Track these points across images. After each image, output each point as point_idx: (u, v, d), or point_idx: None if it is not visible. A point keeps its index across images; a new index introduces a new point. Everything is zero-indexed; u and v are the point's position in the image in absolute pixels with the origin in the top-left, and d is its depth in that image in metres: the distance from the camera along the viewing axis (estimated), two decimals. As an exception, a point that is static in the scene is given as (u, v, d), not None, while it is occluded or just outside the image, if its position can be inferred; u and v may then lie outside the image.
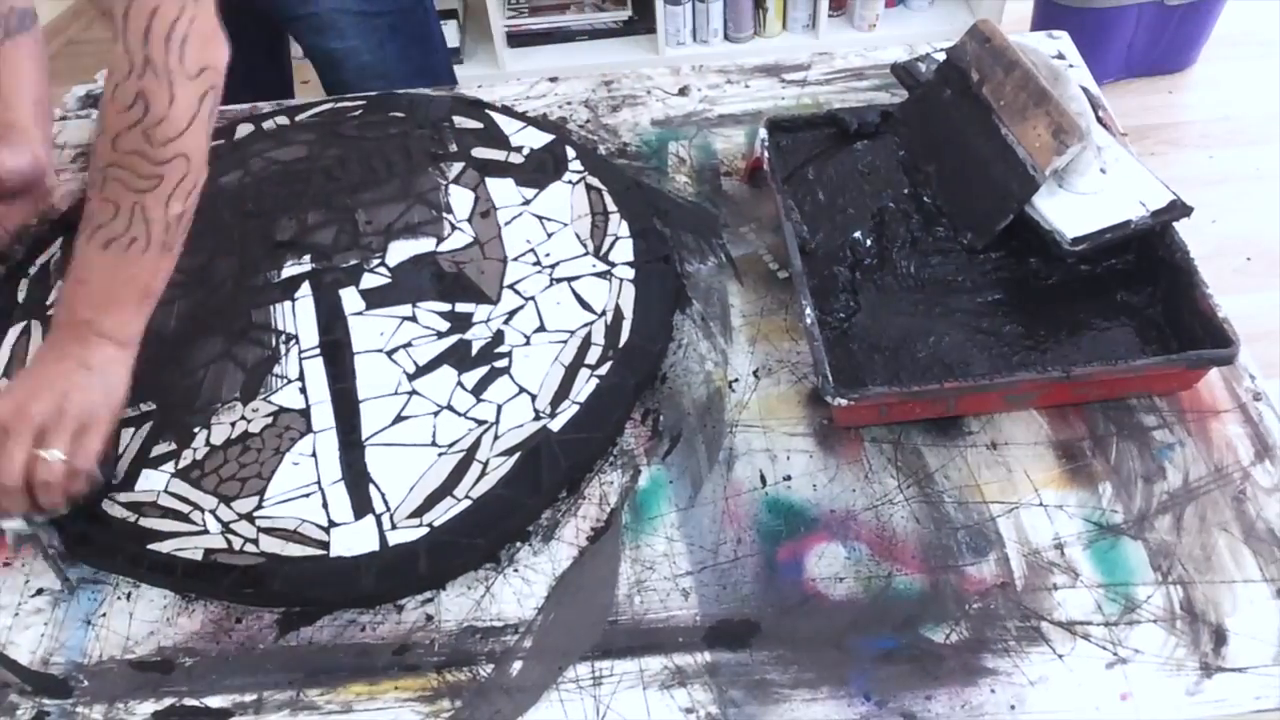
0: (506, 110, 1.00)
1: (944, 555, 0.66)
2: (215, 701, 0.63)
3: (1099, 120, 0.83)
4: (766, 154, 0.87)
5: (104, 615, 0.67)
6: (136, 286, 0.70)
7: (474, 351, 0.78)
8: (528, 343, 0.78)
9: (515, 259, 0.85)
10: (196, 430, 0.75)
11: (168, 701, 0.63)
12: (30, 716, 0.63)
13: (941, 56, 0.87)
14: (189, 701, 0.63)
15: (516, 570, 0.68)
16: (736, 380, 0.77)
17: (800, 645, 0.63)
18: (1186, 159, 2.01)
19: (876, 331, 0.78)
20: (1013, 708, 0.60)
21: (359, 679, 0.63)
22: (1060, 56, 1.02)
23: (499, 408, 0.74)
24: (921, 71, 0.90)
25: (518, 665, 0.63)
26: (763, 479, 0.71)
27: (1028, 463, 0.71)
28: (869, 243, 0.83)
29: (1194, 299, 0.72)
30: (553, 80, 1.06)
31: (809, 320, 0.73)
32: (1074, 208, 0.76)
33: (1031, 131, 0.77)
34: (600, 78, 1.06)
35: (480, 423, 0.74)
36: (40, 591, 0.69)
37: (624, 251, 0.84)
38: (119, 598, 0.68)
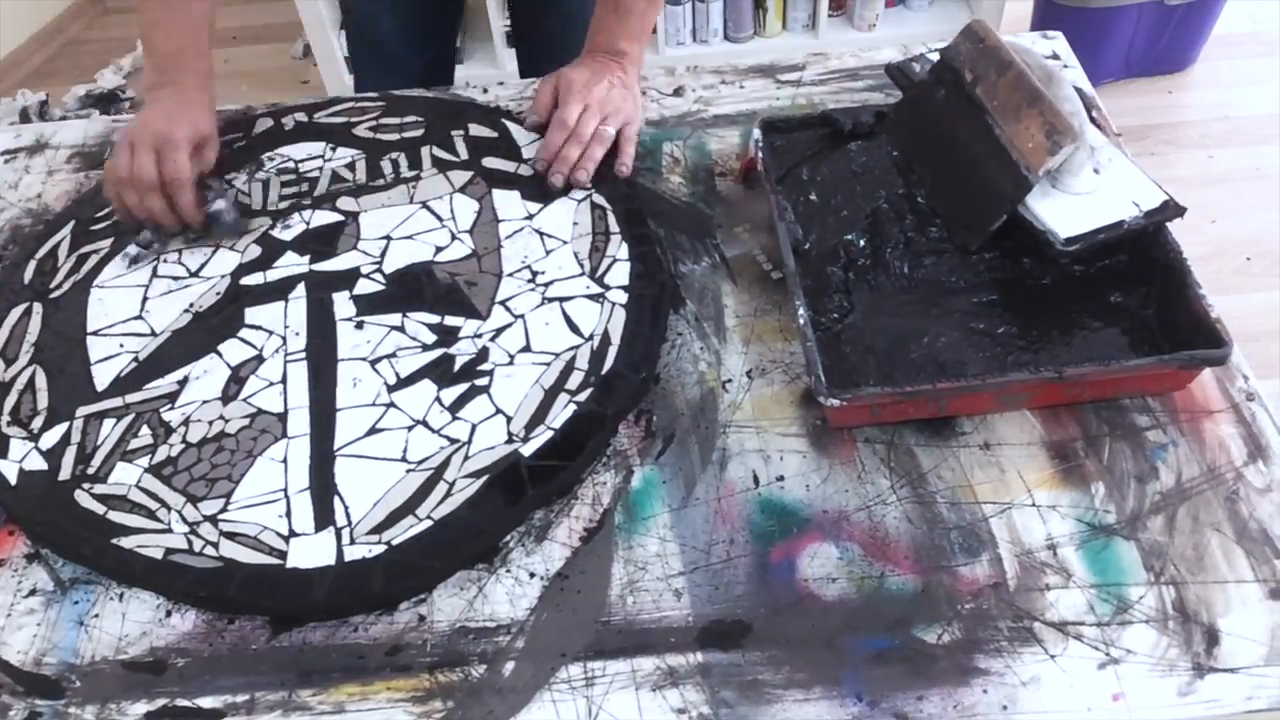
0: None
1: (937, 555, 0.66)
2: (207, 702, 0.63)
3: (1093, 120, 0.83)
4: (761, 154, 0.87)
5: (96, 616, 0.67)
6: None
7: (456, 367, 0.77)
8: (511, 362, 0.77)
9: (510, 274, 0.84)
10: (175, 426, 0.75)
11: (160, 702, 0.63)
12: (22, 717, 0.63)
13: (935, 57, 0.87)
14: (181, 702, 0.63)
15: (509, 570, 0.68)
16: (730, 381, 0.77)
17: (793, 646, 0.63)
18: (1186, 159, 2.01)
19: (870, 332, 0.78)
20: (1005, 708, 0.60)
21: (351, 680, 0.63)
22: (1055, 57, 1.02)
23: (473, 427, 0.74)
24: (915, 72, 0.90)
25: (510, 666, 0.63)
26: (756, 479, 0.71)
27: (1020, 463, 0.71)
28: (862, 243, 0.83)
29: (1187, 299, 0.72)
30: (549, 81, 1.06)
31: (802, 320, 0.73)
32: (1067, 208, 0.76)
33: (1025, 132, 0.77)
34: (596, 78, 1.05)
35: (452, 441, 0.73)
36: (33, 592, 0.69)
37: (620, 275, 0.83)
38: (111, 598, 0.68)
